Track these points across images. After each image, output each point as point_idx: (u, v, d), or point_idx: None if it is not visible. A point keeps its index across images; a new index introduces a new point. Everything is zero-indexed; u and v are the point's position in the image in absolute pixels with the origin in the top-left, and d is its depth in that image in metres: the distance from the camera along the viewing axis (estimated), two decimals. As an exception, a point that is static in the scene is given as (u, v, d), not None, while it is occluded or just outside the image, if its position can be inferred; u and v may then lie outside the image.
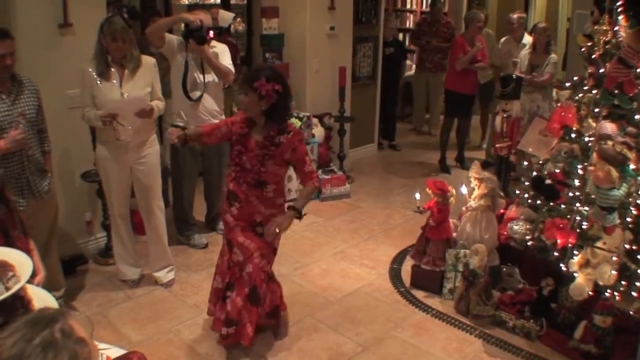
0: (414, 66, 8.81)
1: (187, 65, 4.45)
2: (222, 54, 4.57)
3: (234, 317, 3.31)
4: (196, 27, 4.29)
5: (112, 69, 3.74)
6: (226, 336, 3.38)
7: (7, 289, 1.80)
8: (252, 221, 3.38)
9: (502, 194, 4.33)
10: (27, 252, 2.27)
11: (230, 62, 4.64)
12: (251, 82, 3.15)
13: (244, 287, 3.32)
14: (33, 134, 3.43)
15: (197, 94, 4.51)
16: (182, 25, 4.42)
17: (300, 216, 3.30)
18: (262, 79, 3.13)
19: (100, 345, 1.87)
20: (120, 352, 1.96)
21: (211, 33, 4.39)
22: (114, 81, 3.74)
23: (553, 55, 6.04)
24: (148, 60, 3.90)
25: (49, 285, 3.40)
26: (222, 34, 5.09)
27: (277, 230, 3.24)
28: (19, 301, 1.86)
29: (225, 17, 5.34)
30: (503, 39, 6.82)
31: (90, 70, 3.72)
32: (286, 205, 3.45)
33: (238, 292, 3.33)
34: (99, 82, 3.71)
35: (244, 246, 3.32)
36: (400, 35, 9.09)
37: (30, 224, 3.36)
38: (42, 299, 1.96)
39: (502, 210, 4.44)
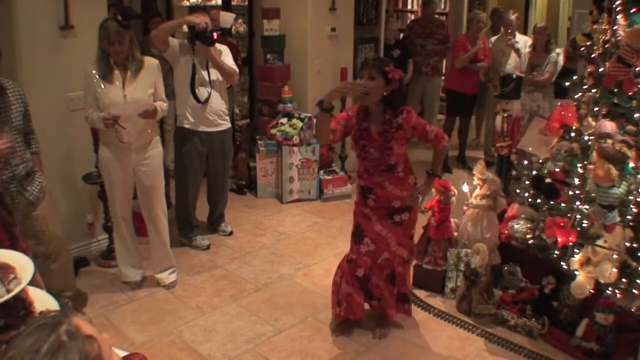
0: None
1: (195, 67, 4.47)
2: (224, 54, 4.59)
3: (377, 295, 3.62)
4: (202, 29, 4.31)
5: (115, 71, 3.75)
6: (373, 306, 3.73)
7: (9, 291, 1.80)
8: (390, 208, 3.45)
9: (503, 194, 4.33)
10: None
11: (233, 62, 4.66)
12: (381, 67, 3.24)
13: (383, 272, 3.57)
14: (21, 141, 3.38)
15: (205, 94, 4.53)
16: (187, 27, 4.44)
17: (439, 176, 3.73)
18: (390, 65, 3.27)
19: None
20: (122, 354, 1.96)
21: (214, 35, 4.41)
22: (117, 83, 3.76)
23: (553, 55, 6.04)
24: (151, 62, 3.91)
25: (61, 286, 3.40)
26: (224, 35, 5.11)
27: (420, 197, 3.52)
28: (21, 303, 1.86)
29: (227, 18, 5.36)
30: (494, 38, 6.74)
31: (93, 72, 3.74)
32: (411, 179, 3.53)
33: (378, 276, 3.57)
34: (101, 84, 3.73)
35: (381, 235, 3.47)
36: (400, 36, 9.01)
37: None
38: (43, 300, 1.96)
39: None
